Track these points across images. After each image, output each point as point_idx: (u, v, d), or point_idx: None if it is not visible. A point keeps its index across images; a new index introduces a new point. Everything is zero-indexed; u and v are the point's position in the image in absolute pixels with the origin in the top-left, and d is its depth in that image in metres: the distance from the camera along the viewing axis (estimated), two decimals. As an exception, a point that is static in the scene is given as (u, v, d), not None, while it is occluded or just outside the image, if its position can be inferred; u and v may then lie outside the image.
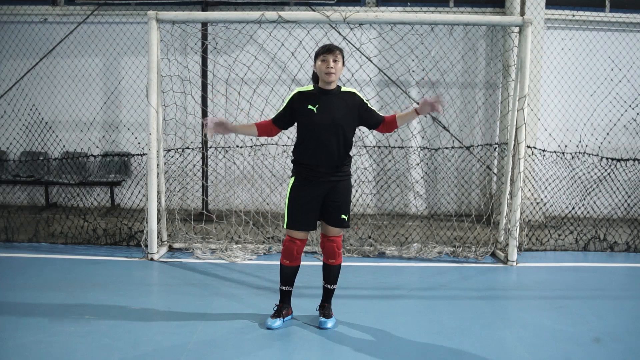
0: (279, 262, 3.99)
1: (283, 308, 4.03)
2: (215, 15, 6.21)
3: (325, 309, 4.07)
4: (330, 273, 4.03)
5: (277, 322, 3.95)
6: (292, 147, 3.95)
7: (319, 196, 3.79)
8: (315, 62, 3.78)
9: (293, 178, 3.85)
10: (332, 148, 3.74)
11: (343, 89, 3.85)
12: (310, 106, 3.73)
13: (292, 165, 3.92)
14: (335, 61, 3.70)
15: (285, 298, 4.04)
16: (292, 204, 3.81)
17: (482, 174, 8.07)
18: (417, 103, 3.75)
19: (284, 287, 4.01)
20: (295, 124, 3.87)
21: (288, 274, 3.97)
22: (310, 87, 3.84)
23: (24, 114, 8.20)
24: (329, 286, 4.07)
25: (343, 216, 3.87)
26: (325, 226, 3.92)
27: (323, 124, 3.72)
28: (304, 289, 4.81)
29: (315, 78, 3.87)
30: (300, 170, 3.82)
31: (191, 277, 5.19)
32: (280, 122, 3.88)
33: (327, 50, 3.72)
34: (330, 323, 3.98)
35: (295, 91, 3.82)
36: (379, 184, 7.65)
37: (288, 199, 3.83)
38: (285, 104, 3.83)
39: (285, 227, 3.86)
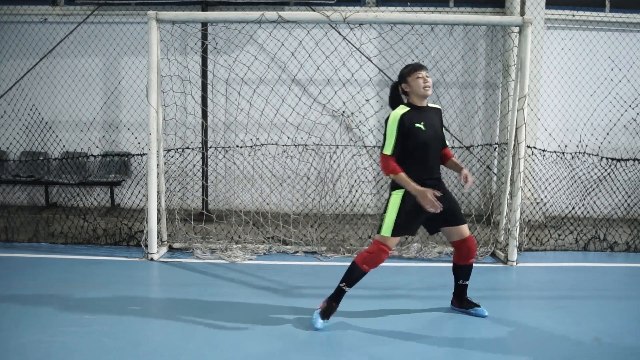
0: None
1: (335, 308, 4.04)
2: (215, 15, 6.21)
3: (466, 300, 4.25)
4: (470, 271, 4.18)
5: (326, 322, 3.98)
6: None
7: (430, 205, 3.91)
8: (405, 80, 3.89)
9: (402, 191, 3.86)
10: (437, 160, 3.99)
11: (430, 104, 4.02)
12: (417, 124, 3.83)
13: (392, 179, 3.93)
14: (427, 76, 3.87)
15: (342, 296, 4.07)
16: (403, 213, 3.85)
17: (482, 174, 8.07)
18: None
19: (348, 289, 4.05)
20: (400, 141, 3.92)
21: (359, 279, 4.04)
22: (405, 108, 3.88)
23: (24, 114, 8.21)
24: (466, 282, 4.21)
25: (461, 211, 4.11)
26: (455, 230, 4.03)
27: (430, 139, 3.88)
28: (303, 289, 4.82)
29: (397, 100, 4.00)
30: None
31: (191, 277, 5.19)
32: (397, 150, 3.83)
33: (419, 67, 3.87)
34: (486, 312, 4.19)
35: (397, 116, 3.81)
36: (379, 184, 7.65)
37: (398, 211, 3.85)
38: (394, 132, 3.80)
39: (388, 235, 3.87)
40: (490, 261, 5.89)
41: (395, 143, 3.81)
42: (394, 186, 3.93)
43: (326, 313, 4.00)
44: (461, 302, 4.27)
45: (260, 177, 7.31)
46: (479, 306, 4.23)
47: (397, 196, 3.89)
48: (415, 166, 3.86)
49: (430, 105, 4.02)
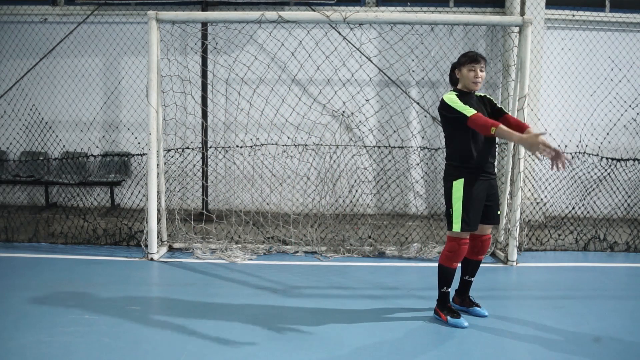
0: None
1: (451, 306, 4.14)
2: (215, 15, 6.21)
3: (467, 299, 4.27)
4: (477, 267, 4.22)
5: (464, 319, 4.04)
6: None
7: (484, 195, 3.92)
8: (460, 68, 3.90)
9: (462, 179, 3.86)
10: (490, 147, 3.94)
11: (477, 93, 4.04)
12: None
13: (452, 169, 3.93)
14: (481, 70, 3.86)
15: (448, 298, 4.14)
16: (468, 205, 3.85)
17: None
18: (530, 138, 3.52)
19: (449, 289, 4.10)
20: (453, 129, 3.90)
21: (453, 275, 4.06)
22: (453, 93, 3.88)
23: (24, 114, 8.21)
24: (472, 279, 4.25)
25: (499, 212, 4.09)
26: (481, 227, 4.02)
27: None
28: (303, 289, 4.82)
29: (454, 82, 4.00)
30: (468, 171, 3.88)
31: (191, 277, 5.19)
32: (475, 110, 3.78)
33: (474, 60, 3.84)
34: (486, 312, 4.20)
35: (452, 94, 3.84)
36: (379, 184, 7.65)
37: (463, 201, 3.84)
38: (459, 101, 3.78)
39: (459, 230, 3.87)
40: (490, 261, 5.89)
41: (466, 106, 3.76)
42: (452, 174, 3.90)
43: (453, 313, 4.07)
44: (463, 300, 4.29)
45: (260, 177, 7.30)
46: (479, 306, 4.24)
47: (459, 187, 3.86)
48: (473, 151, 3.85)
49: (478, 94, 4.03)
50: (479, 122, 3.67)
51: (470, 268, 4.22)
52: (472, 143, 3.86)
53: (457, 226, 3.87)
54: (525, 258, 5.99)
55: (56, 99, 8.39)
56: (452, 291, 4.24)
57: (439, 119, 4.07)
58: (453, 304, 4.31)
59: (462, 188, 3.86)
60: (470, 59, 3.86)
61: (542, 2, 7.84)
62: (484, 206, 3.95)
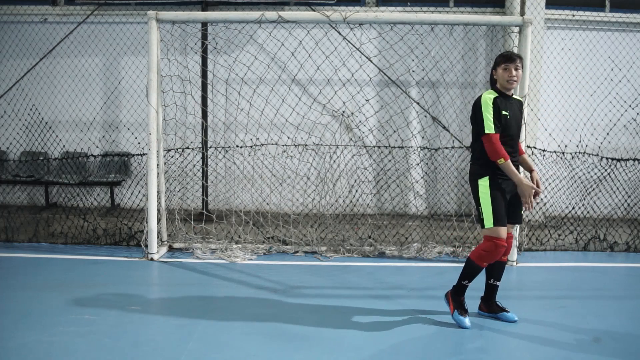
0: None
1: (464, 301, 4.08)
2: (215, 15, 6.21)
3: (495, 304, 4.18)
4: (502, 270, 4.15)
5: (468, 319, 4.02)
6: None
7: (510, 194, 3.93)
8: (495, 69, 3.94)
9: (487, 177, 3.88)
10: (516, 151, 3.97)
11: (514, 96, 4.04)
12: (504, 112, 3.86)
13: (477, 169, 3.94)
14: (516, 69, 3.86)
15: (464, 291, 4.08)
16: (496, 200, 3.85)
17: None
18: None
19: (469, 284, 4.05)
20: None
21: (478, 273, 4.01)
22: (493, 93, 3.91)
23: (24, 114, 8.21)
24: (498, 282, 4.16)
25: (522, 212, 4.08)
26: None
27: (513, 128, 3.91)
28: (303, 289, 4.82)
29: (493, 82, 4.00)
30: (494, 171, 3.88)
31: (191, 277, 5.19)
32: (499, 129, 3.82)
33: (509, 59, 3.86)
34: (516, 316, 4.11)
35: (490, 99, 3.84)
36: (379, 184, 7.65)
37: (491, 197, 3.85)
38: (491, 111, 3.80)
39: (492, 225, 3.84)
40: (490, 261, 5.89)
41: (496, 120, 3.78)
42: (478, 173, 3.91)
43: (462, 308, 4.04)
44: (490, 306, 4.20)
45: (260, 177, 7.31)
46: (507, 311, 4.15)
47: (484, 184, 3.87)
48: None
49: (515, 97, 4.03)
50: (492, 145, 3.77)
51: (496, 271, 4.12)
52: (501, 144, 3.85)
53: (489, 222, 3.85)
54: (525, 258, 5.99)
55: (56, 99, 8.38)
56: (476, 299, 4.20)
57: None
58: (480, 311, 4.23)
59: (488, 185, 3.87)
60: (504, 58, 3.89)
61: (542, 2, 7.84)
62: (509, 205, 3.94)
